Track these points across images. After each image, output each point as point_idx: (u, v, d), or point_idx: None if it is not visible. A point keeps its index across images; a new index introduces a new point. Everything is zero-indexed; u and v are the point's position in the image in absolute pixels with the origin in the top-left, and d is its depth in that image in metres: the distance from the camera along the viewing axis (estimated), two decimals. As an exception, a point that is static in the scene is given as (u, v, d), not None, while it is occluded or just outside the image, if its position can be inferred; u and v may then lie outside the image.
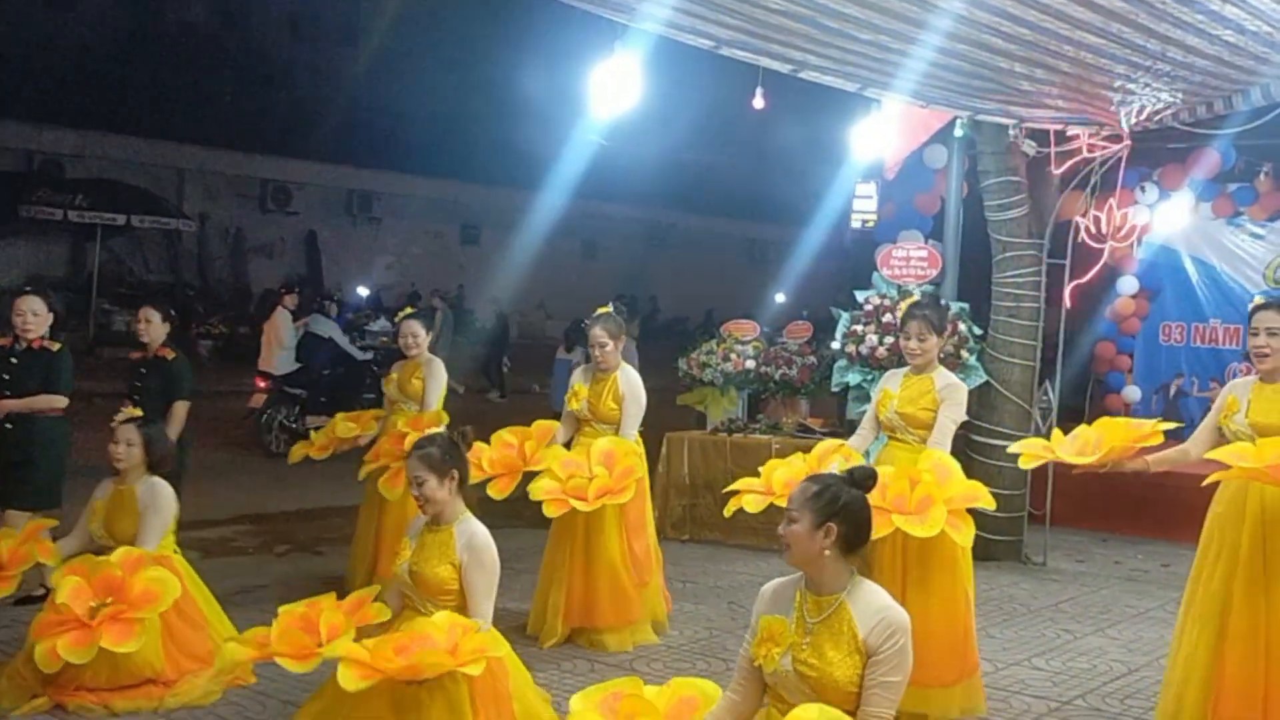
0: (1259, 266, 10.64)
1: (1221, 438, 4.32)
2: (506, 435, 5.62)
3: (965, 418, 6.37)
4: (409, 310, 7.09)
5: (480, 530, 4.07)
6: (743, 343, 9.03)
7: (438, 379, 6.42)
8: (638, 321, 5.69)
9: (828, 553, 2.90)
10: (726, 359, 8.93)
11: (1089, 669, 5.56)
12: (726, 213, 31.78)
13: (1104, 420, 4.55)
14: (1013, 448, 4.77)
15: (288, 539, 8.06)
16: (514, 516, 8.67)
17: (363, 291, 24.63)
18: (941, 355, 5.15)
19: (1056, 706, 5.02)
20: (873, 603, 2.88)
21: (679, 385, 9.33)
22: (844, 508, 2.92)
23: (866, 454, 5.03)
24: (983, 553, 7.84)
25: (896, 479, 4.43)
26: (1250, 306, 4.40)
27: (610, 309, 5.88)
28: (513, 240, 25.94)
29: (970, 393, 8.02)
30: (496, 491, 5.39)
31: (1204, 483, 4.17)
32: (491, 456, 5.42)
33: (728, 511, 4.83)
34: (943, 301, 7.87)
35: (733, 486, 4.88)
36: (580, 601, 5.63)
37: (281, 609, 3.93)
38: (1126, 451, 4.31)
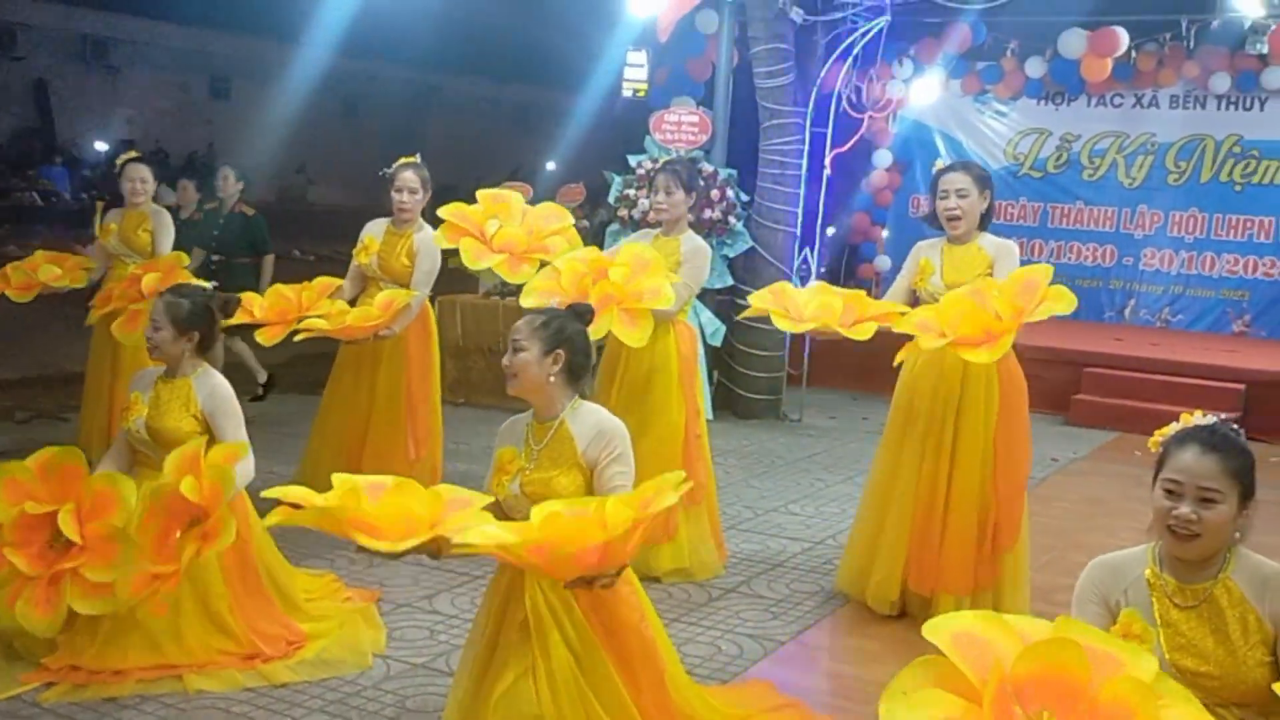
0: (1001, 144, 11.37)
1: (914, 298, 4.48)
2: (284, 289, 5.27)
3: (707, 284, 6.53)
4: (132, 154, 6.48)
5: (221, 380, 3.95)
6: (515, 206, 8.94)
7: (168, 230, 6.05)
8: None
9: (553, 379, 3.00)
10: (499, 222, 8.83)
11: (839, 513, 5.97)
12: (499, 76, 30.96)
13: (852, 293, 4.52)
14: (751, 297, 4.70)
15: (29, 405, 7.56)
16: (281, 380, 8.45)
17: (101, 147, 22.82)
18: (695, 218, 5.05)
19: (810, 546, 5.40)
20: (589, 419, 2.99)
21: (449, 250, 9.17)
22: (569, 338, 3.02)
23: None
24: (745, 411, 8.26)
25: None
26: (936, 169, 4.46)
27: (417, 158, 5.54)
28: (268, 97, 24.43)
29: (737, 258, 8.32)
30: (266, 338, 5.02)
31: (895, 362, 4.38)
32: (264, 304, 5.09)
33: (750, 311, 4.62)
34: (710, 168, 8.05)
35: (755, 303, 4.59)
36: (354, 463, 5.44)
37: None
38: (843, 323, 4.31)
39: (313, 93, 24.09)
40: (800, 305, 4.45)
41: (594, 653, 2.86)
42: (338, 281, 5.34)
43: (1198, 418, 2.46)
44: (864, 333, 4.25)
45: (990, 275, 4.27)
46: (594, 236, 8.76)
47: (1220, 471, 2.33)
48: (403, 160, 5.39)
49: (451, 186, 12.76)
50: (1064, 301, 3.91)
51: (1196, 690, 2.28)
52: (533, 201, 9.06)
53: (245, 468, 3.76)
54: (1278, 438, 7.92)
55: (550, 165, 23.20)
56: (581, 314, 3.14)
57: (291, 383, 8.35)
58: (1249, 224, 10.42)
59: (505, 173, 9.69)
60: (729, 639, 4.23)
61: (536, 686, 2.80)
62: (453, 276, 9.04)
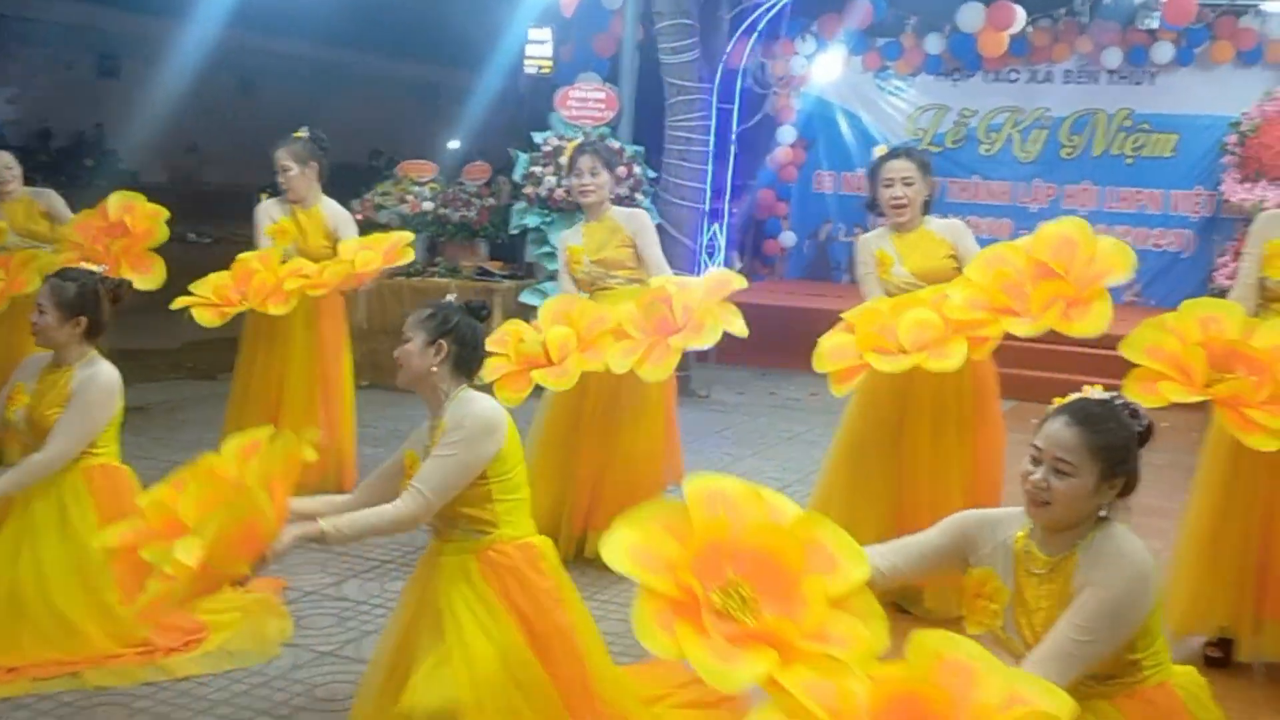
0: (901, 120, 11.53)
1: (882, 288, 4.35)
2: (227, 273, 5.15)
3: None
4: None
5: (103, 373, 3.70)
6: (419, 184, 8.82)
7: (62, 204, 5.80)
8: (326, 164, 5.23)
9: (435, 369, 2.97)
10: (403, 201, 8.70)
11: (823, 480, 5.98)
12: (401, 53, 30.36)
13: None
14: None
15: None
16: (177, 366, 8.23)
17: (-18, 129, 21.88)
18: (613, 198, 5.01)
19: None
20: (459, 410, 2.96)
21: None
22: (455, 328, 3.00)
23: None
24: (654, 388, 8.27)
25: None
26: (877, 156, 4.37)
27: (305, 133, 5.42)
28: (159, 75, 23.63)
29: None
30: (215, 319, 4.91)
31: (840, 392, 4.04)
32: (219, 282, 4.97)
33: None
34: (618, 145, 8.02)
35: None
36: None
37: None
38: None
39: (206, 70, 23.32)
40: (894, 328, 3.99)
41: (514, 644, 2.84)
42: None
43: (1093, 392, 2.45)
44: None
45: (954, 257, 4.23)
46: (500, 215, 8.68)
47: (1079, 445, 2.34)
48: (295, 136, 5.33)
49: (352, 165, 12.54)
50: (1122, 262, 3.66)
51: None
52: (436, 178, 9.00)
53: (38, 467, 3.60)
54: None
55: (454, 143, 22.88)
56: (476, 309, 3.10)
57: (186, 368, 8.14)
58: (1139, 196, 10.73)
59: (414, 156, 9.48)
60: (642, 615, 4.22)
61: (455, 672, 2.77)
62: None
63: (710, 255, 8.36)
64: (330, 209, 5.32)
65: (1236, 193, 9.62)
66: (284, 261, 5.14)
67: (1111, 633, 2.28)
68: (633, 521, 2.25)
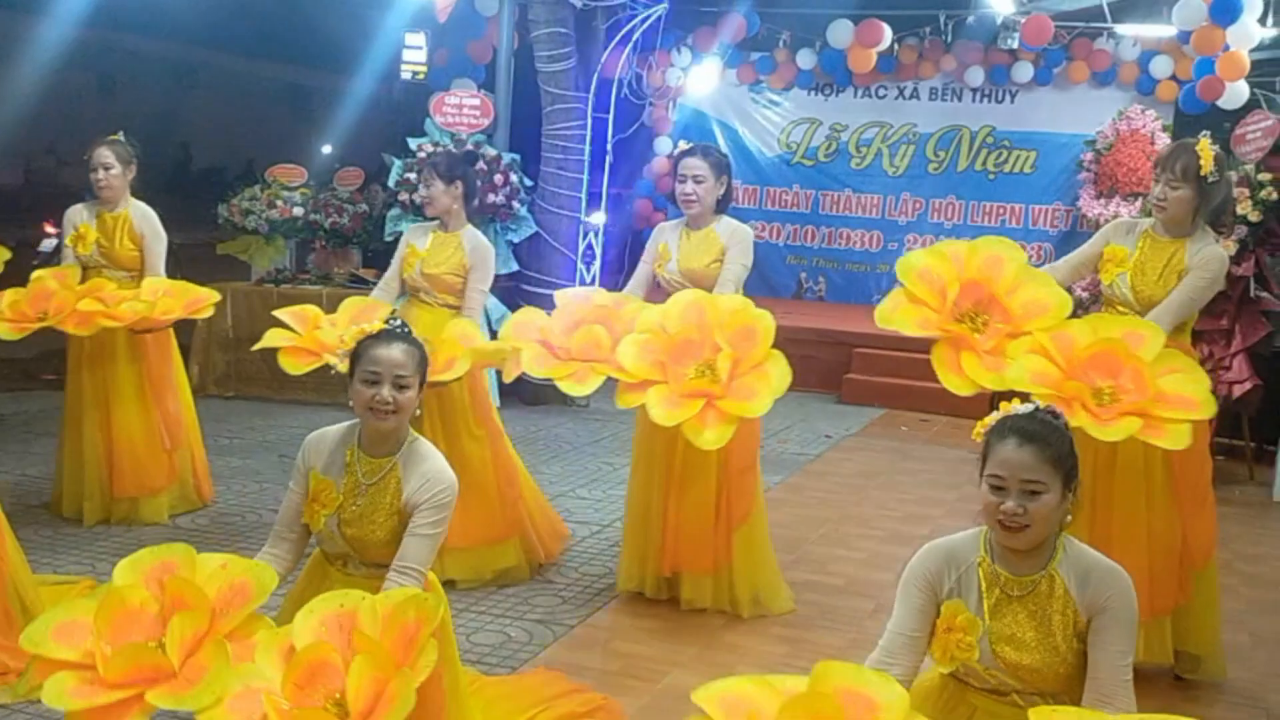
0: (775, 133, 11.73)
1: (657, 284, 4.55)
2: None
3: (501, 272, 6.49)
4: None
5: None
6: (290, 189, 8.61)
7: None
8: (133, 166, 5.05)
9: (419, 412, 2.92)
10: (273, 205, 8.49)
11: (626, 494, 6.01)
12: (269, 55, 29.60)
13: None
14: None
15: None
16: (30, 378, 7.88)
17: None
18: (471, 207, 4.86)
19: (598, 529, 5.42)
20: (419, 466, 2.84)
21: (220, 235, 8.75)
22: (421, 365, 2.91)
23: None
24: (532, 397, 8.23)
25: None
26: (675, 153, 4.55)
27: (120, 136, 5.24)
28: (15, 73, 22.61)
29: (521, 243, 8.27)
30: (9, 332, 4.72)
31: (620, 406, 4.15)
32: (14, 300, 4.73)
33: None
34: (494, 151, 7.97)
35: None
36: (109, 471, 5.09)
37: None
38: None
39: (64, 68, 22.38)
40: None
41: None
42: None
43: (1016, 406, 2.46)
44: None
45: (720, 262, 4.39)
46: (373, 221, 8.53)
47: (1040, 461, 2.34)
48: (113, 137, 5.18)
49: (219, 169, 12.18)
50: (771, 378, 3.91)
51: (1015, 680, 2.37)
52: (307, 183, 8.80)
53: None
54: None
55: (326, 149, 22.42)
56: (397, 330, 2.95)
57: (40, 378, 7.79)
58: (1001, 210, 11.12)
59: (283, 156, 9.23)
60: (518, 626, 4.20)
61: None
62: (220, 263, 8.64)
63: (587, 264, 8.36)
64: (139, 213, 5.15)
65: (1093, 208, 10.05)
66: (83, 278, 5.01)
67: (1133, 643, 2.39)
68: None
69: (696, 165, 4.40)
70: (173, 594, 2.47)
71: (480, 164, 7.72)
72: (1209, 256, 3.79)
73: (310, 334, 4.17)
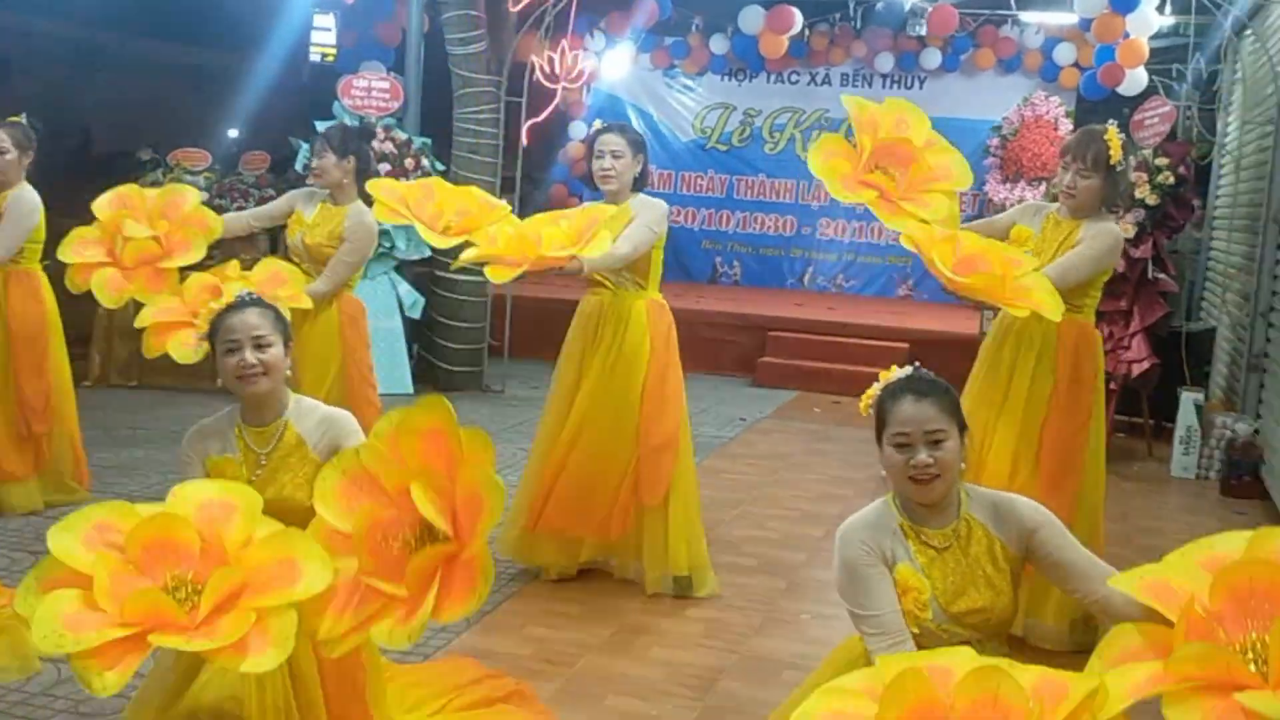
0: (690, 118, 11.77)
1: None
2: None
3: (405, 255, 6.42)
4: None
5: None
6: (193, 173, 8.40)
7: None
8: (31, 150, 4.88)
9: (289, 373, 2.88)
10: (175, 191, 8.27)
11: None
12: (172, 36, 28.82)
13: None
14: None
15: None
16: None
17: None
18: (359, 185, 4.75)
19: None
20: (310, 416, 2.86)
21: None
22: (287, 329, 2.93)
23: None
24: (446, 383, 8.16)
25: None
26: (591, 131, 4.54)
27: (22, 119, 5.06)
28: (-101, 53, 21.71)
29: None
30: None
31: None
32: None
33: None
34: (405, 135, 7.87)
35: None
36: None
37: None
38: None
39: (-46, 49, 21.62)
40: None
41: (301, 656, 2.72)
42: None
43: (897, 372, 2.55)
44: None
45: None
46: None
47: (939, 412, 2.45)
48: (13, 120, 5.00)
49: (125, 154, 11.84)
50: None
51: (968, 629, 2.42)
52: (212, 167, 8.60)
53: None
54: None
55: (232, 133, 21.90)
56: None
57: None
58: (911, 195, 11.30)
59: (187, 139, 8.99)
60: (432, 613, 4.16)
61: (243, 678, 2.64)
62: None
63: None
64: (13, 197, 4.91)
65: (999, 192, 10.27)
66: None
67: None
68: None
69: (614, 141, 4.37)
70: (214, 544, 2.31)
71: (390, 145, 7.61)
72: (1100, 230, 3.95)
73: (109, 229, 4.21)
